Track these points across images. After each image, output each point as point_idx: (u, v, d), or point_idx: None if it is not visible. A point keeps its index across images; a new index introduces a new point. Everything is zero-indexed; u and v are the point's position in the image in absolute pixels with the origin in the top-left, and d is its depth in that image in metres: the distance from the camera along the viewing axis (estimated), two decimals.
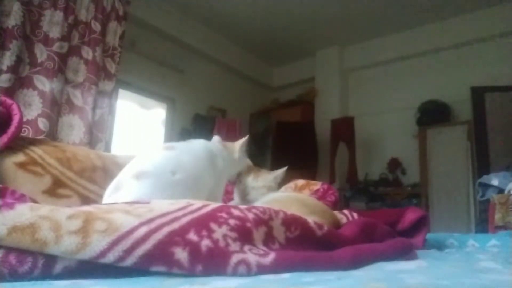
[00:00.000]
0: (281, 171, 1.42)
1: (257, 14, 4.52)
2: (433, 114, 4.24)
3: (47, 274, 0.54)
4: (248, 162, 1.42)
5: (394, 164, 4.60)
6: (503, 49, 4.11)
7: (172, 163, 1.03)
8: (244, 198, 1.29)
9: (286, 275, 0.59)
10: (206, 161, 1.13)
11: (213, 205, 0.76)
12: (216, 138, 1.31)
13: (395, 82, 4.88)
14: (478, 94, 3.83)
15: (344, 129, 4.61)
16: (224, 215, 0.71)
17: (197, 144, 1.19)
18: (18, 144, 1.17)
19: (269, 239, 0.73)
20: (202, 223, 0.66)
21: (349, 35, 4.95)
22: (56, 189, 1.15)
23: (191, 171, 1.05)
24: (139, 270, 0.56)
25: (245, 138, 1.36)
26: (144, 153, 1.11)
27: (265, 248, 0.70)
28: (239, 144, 1.33)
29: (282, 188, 1.82)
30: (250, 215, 0.74)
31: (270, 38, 5.09)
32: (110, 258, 0.55)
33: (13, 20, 2.61)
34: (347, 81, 5.31)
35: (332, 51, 5.22)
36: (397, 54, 4.81)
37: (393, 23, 4.57)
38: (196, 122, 4.58)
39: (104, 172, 1.33)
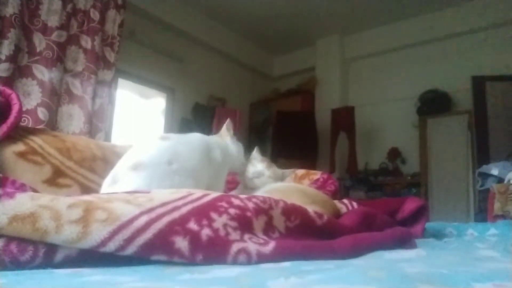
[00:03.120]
0: (289, 171, 1.48)
1: (257, 3, 4.47)
2: (434, 104, 4.23)
3: (48, 263, 0.55)
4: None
5: (394, 154, 4.60)
6: (504, 38, 4.08)
7: (168, 153, 1.03)
8: (253, 182, 1.32)
9: (286, 264, 0.60)
10: (202, 153, 1.12)
11: (213, 194, 0.77)
12: (211, 136, 1.31)
13: (395, 72, 4.85)
14: (479, 83, 3.82)
15: (344, 118, 4.60)
16: (224, 204, 0.72)
17: (193, 136, 1.19)
18: (17, 133, 1.17)
19: (269, 228, 0.74)
20: (203, 212, 0.67)
21: (349, 24, 4.91)
22: (56, 179, 1.16)
23: (187, 161, 1.05)
24: (140, 259, 0.57)
25: (228, 121, 1.38)
26: (140, 144, 1.10)
27: (265, 237, 0.70)
28: (224, 129, 1.36)
29: None
30: (250, 205, 0.75)
31: (270, 27, 5.05)
32: (110, 247, 0.55)
33: (11, 8, 2.58)
34: (348, 71, 5.29)
35: (332, 40, 5.19)
36: (398, 43, 4.78)
37: (394, 12, 4.53)
38: (196, 112, 4.57)
39: (104, 162, 1.34)
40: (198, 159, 1.09)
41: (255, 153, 1.43)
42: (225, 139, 1.32)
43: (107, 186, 0.99)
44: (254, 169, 1.34)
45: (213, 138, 1.27)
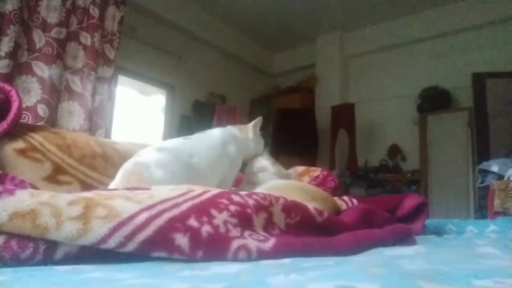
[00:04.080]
0: (294, 174, 1.59)
1: (257, 0, 4.46)
2: (434, 101, 4.22)
3: (48, 260, 0.55)
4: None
5: (394, 151, 4.60)
6: (505, 34, 4.07)
7: (190, 148, 1.16)
8: (257, 176, 1.36)
9: (286, 261, 0.60)
10: (219, 147, 1.25)
11: (214, 191, 0.77)
12: (230, 127, 1.42)
13: (396, 69, 4.84)
14: (479, 80, 3.80)
15: (344, 115, 4.59)
16: (224, 201, 0.72)
17: (211, 134, 1.31)
18: (17, 130, 1.17)
19: (269, 225, 0.74)
20: (203, 209, 0.67)
21: (350, 21, 4.89)
22: (56, 176, 1.16)
23: (206, 156, 1.17)
24: (140, 255, 0.57)
25: (259, 118, 1.48)
26: (164, 141, 1.23)
27: (265, 234, 0.70)
28: (251, 124, 1.46)
29: None
30: (251, 201, 0.75)
31: (270, 24, 5.03)
32: (111, 243, 0.55)
33: (10, 5, 2.57)
34: (348, 68, 5.27)
35: (332, 37, 5.17)
36: (398, 40, 4.77)
37: (394, 8, 4.52)
38: (196, 109, 4.56)
39: (104, 159, 1.34)
40: (215, 154, 1.22)
41: (264, 153, 1.49)
42: (248, 134, 1.43)
43: (131, 159, 1.07)
44: (259, 164, 1.37)
45: (230, 133, 1.36)
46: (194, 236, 0.60)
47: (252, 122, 1.46)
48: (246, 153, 1.40)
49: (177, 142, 1.18)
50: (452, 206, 3.81)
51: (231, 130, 1.38)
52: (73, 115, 2.90)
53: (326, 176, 1.89)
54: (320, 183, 1.81)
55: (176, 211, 0.63)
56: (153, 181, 0.96)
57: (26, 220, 0.54)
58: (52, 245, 0.55)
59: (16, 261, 0.53)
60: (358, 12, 4.65)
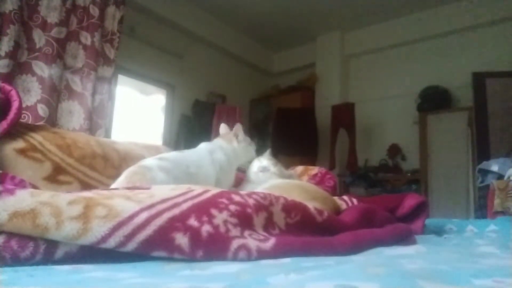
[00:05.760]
0: (295, 175, 1.65)
1: (258, 0, 4.47)
2: (434, 100, 4.21)
3: (48, 259, 0.55)
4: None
5: (394, 150, 4.60)
6: (505, 34, 4.07)
7: (186, 160, 1.26)
8: (258, 176, 1.42)
9: (286, 260, 0.60)
10: (207, 157, 1.34)
11: (214, 190, 0.77)
12: (216, 139, 1.53)
13: (396, 68, 4.84)
14: (479, 79, 3.80)
15: (344, 115, 4.59)
16: (224, 200, 0.72)
17: (199, 147, 1.42)
18: (17, 130, 1.17)
19: (269, 225, 0.74)
20: (203, 209, 0.67)
21: (350, 21, 4.89)
22: (56, 176, 1.16)
23: (200, 166, 1.28)
24: (140, 255, 0.57)
25: (237, 125, 1.55)
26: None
27: (265, 234, 0.70)
28: (232, 133, 1.53)
29: None
30: (251, 201, 0.75)
31: (270, 23, 5.03)
32: (111, 243, 0.55)
33: (10, 4, 2.57)
34: (348, 67, 5.27)
35: (332, 36, 5.17)
36: (398, 39, 4.76)
37: (394, 8, 4.51)
38: (196, 108, 4.56)
39: (104, 159, 1.34)
40: (205, 165, 1.31)
41: (266, 153, 1.53)
42: (232, 142, 1.49)
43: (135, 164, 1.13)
44: (260, 164, 1.38)
45: (216, 143, 1.46)
46: (194, 235, 0.60)
47: (232, 131, 1.55)
48: (237, 160, 1.48)
49: (175, 154, 1.30)
50: (452, 206, 3.80)
51: (216, 141, 1.49)
52: (73, 115, 2.90)
53: (324, 174, 1.89)
54: (318, 181, 1.81)
55: (176, 211, 0.63)
56: (155, 183, 0.96)
57: (26, 220, 0.54)
58: (52, 244, 0.55)
59: (16, 261, 0.53)
60: (358, 12, 4.64)
